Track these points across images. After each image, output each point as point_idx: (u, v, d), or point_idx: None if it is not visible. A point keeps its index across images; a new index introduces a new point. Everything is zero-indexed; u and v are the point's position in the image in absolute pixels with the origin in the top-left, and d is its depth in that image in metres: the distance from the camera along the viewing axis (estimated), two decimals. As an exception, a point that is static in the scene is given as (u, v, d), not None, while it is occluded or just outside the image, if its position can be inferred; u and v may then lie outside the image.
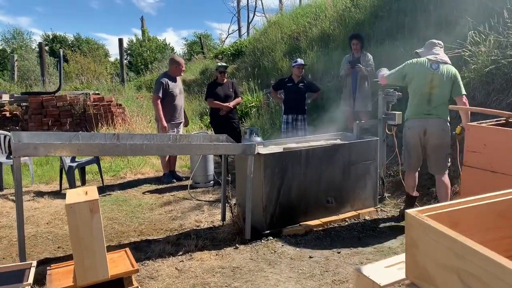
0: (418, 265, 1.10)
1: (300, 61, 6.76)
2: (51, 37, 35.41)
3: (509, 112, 2.80)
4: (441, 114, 4.14)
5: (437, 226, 1.02)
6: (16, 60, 19.02)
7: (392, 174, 5.67)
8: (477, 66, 5.66)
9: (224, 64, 6.68)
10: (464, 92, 4.14)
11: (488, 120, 3.02)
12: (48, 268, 3.01)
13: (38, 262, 3.72)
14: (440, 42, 4.39)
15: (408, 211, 1.14)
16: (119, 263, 3.00)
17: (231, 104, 6.42)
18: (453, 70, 4.16)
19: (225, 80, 6.56)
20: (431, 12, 7.44)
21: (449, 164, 4.28)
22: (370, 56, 6.42)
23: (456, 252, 0.96)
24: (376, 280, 2.11)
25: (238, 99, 6.68)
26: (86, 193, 2.83)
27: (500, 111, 2.58)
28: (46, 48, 29.53)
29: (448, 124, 4.21)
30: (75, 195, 2.78)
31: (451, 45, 5.75)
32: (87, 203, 2.65)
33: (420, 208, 1.18)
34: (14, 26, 49.82)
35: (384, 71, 4.76)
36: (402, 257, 2.42)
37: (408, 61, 4.32)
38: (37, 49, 23.21)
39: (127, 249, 3.21)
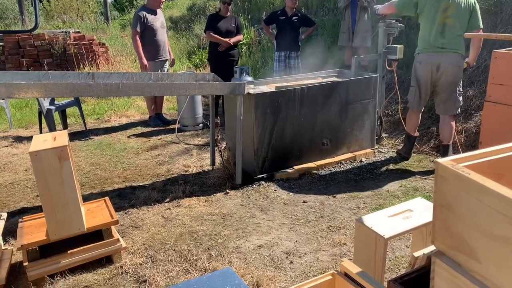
0: (451, 232, 0.84)
1: (294, -9, 6.20)
2: (29, -27, 33.30)
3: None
4: (456, 48, 3.75)
5: (485, 183, 0.74)
6: (-8, -2, 17.86)
7: (390, 113, 5.38)
8: (486, -5, 5.22)
9: None
10: (481, 25, 3.75)
11: (517, 47, 2.65)
12: (19, 220, 2.76)
13: (15, 211, 3.53)
14: None
15: (440, 160, 0.86)
16: (97, 213, 2.76)
17: (231, 40, 5.94)
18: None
19: (229, 14, 6.02)
20: None
21: (461, 103, 3.97)
22: (371, -15, 5.89)
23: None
24: (379, 232, 1.89)
25: (239, 36, 6.19)
26: (55, 138, 2.53)
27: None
28: (25, -15, 27.80)
29: (463, 59, 3.84)
30: (41, 141, 2.48)
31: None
32: (55, 150, 2.35)
33: (454, 156, 0.89)
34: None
35: (378, 7, 4.36)
36: (406, 204, 2.18)
37: None
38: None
39: (107, 198, 2.96)
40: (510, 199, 0.69)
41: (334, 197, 3.57)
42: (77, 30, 10.59)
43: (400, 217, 2.04)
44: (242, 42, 9.16)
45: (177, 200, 3.58)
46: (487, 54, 4.70)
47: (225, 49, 5.95)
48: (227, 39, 5.89)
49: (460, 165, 0.84)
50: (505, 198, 0.70)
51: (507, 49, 2.51)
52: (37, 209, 3.44)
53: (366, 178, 3.98)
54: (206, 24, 6.14)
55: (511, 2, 4.99)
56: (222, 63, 5.96)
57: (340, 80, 4.36)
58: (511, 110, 2.20)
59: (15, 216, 3.39)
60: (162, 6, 5.93)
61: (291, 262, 2.63)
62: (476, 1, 3.76)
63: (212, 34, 5.91)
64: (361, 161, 4.35)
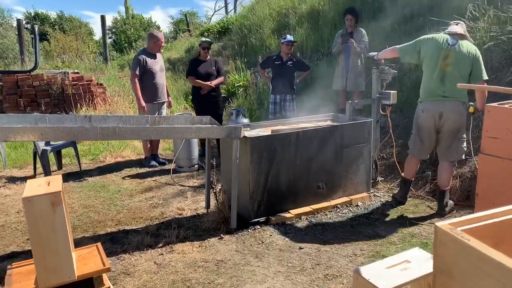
0: (451, 298, 0.82)
1: (289, 37, 6.38)
2: (32, 14, 34.16)
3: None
4: (458, 96, 3.76)
5: (486, 251, 0.73)
6: (-6, 38, 18.20)
7: (385, 156, 5.40)
8: (475, 43, 5.37)
9: (208, 39, 6.26)
10: (485, 77, 3.77)
11: (510, 101, 2.70)
12: (8, 267, 2.69)
13: (4, 256, 3.45)
14: (458, 21, 4.07)
15: (439, 224, 0.85)
16: (89, 260, 2.69)
17: (213, 83, 6.06)
18: (474, 49, 3.78)
19: (208, 57, 6.19)
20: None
21: (465, 149, 4.00)
22: (364, 32, 6.07)
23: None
24: (377, 285, 1.85)
25: (221, 78, 6.31)
26: (49, 183, 2.50)
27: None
28: (28, 26, 28.46)
29: (465, 107, 3.86)
30: (35, 186, 2.45)
31: (448, 20, 5.46)
32: (48, 195, 2.31)
33: (452, 220, 0.88)
34: (-6, 3, 48.09)
35: (374, 53, 4.49)
36: (404, 255, 2.15)
37: (423, 36, 4.01)
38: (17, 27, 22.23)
39: (99, 244, 2.90)
40: (511, 269, 0.68)
41: (331, 243, 3.52)
42: (76, 71, 10.73)
43: (397, 268, 2.00)
44: (239, 84, 9.33)
45: (170, 245, 3.51)
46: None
47: (207, 92, 6.09)
48: (208, 83, 6.03)
49: (458, 229, 0.83)
50: (506, 268, 0.69)
51: (500, 103, 2.56)
52: (27, 254, 3.36)
53: (362, 223, 3.94)
54: (187, 69, 6.33)
55: (501, 50, 5.14)
56: (207, 106, 6.08)
57: (335, 124, 4.41)
58: (506, 163, 2.21)
59: (3, 261, 3.31)
60: (162, 51, 6.08)
61: (287, 312, 2.56)
62: (478, 51, 3.79)
63: (194, 79, 6.08)
64: (357, 205, 4.33)
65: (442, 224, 0.85)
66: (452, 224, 0.85)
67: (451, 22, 4.10)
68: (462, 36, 3.86)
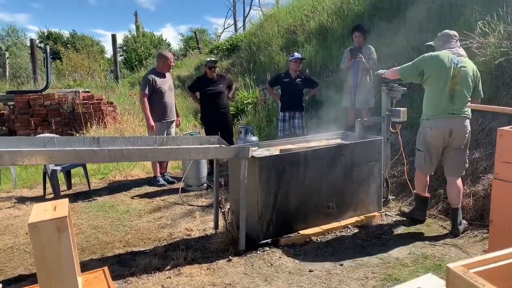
0: None
1: (297, 55, 6.40)
2: (46, 34, 34.93)
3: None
4: (464, 112, 3.82)
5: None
6: (8, 57, 18.55)
7: (396, 174, 5.32)
8: (485, 59, 5.31)
9: (213, 58, 6.30)
10: (482, 95, 3.96)
11: (523, 124, 2.64)
12: (14, 292, 2.67)
13: (12, 279, 3.42)
14: (455, 33, 4.03)
15: (452, 266, 0.80)
16: (95, 286, 2.66)
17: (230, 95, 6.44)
18: (474, 67, 3.88)
19: (215, 75, 6.21)
20: (434, 1, 7.08)
21: (466, 165, 4.00)
22: (372, 49, 6.06)
23: None
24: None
25: (232, 92, 6.71)
26: (55, 208, 2.48)
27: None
28: (41, 45, 29.07)
29: (470, 121, 3.92)
30: (41, 211, 2.43)
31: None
32: (54, 221, 2.29)
33: (465, 261, 0.83)
34: (10, 23, 49.27)
35: (382, 71, 4.46)
36: (416, 282, 2.08)
37: (424, 55, 3.95)
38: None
39: (106, 268, 2.87)
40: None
41: (341, 265, 3.44)
42: (86, 90, 10.86)
43: (411, 296, 1.93)
44: (247, 101, 9.35)
45: (178, 267, 3.46)
46: (491, 116, 4.73)
47: (216, 109, 6.23)
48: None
49: (471, 271, 0.78)
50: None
51: (512, 126, 2.50)
52: (35, 277, 3.32)
53: (374, 243, 3.86)
54: (192, 84, 6.57)
55: (512, 65, 5.07)
56: (217, 123, 6.17)
57: (345, 143, 4.36)
58: (520, 188, 2.14)
59: (11, 284, 3.29)
60: (171, 70, 6.12)
61: None
62: (478, 71, 3.92)
63: (194, 95, 6.54)
64: (368, 225, 4.24)
65: (455, 266, 0.80)
66: (465, 266, 0.80)
67: (449, 34, 4.00)
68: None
